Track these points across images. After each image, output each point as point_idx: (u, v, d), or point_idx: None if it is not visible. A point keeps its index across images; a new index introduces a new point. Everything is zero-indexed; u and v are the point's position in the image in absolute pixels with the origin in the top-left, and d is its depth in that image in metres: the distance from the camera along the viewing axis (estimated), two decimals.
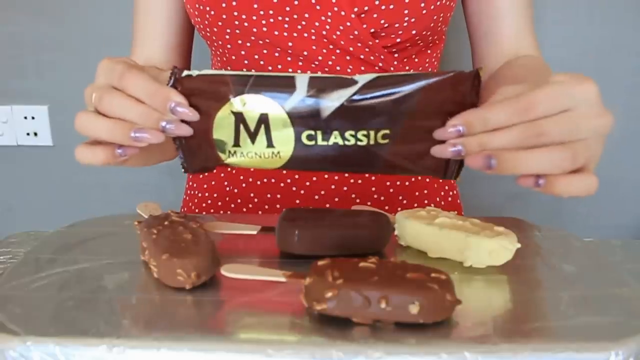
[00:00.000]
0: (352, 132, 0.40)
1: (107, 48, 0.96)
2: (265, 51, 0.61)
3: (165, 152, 0.49)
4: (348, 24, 0.58)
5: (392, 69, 0.62)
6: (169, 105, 0.39)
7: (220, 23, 0.60)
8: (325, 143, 0.41)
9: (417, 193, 0.69)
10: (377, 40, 0.60)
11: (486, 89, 0.39)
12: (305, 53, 0.60)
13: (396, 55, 0.62)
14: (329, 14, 0.58)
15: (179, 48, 0.68)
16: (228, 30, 0.60)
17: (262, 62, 0.62)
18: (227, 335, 0.35)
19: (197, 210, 0.71)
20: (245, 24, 0.59)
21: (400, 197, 0.67)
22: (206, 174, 0.70)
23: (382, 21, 0.58)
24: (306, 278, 0.37)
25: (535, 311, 0.39)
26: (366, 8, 0.58)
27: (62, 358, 0.34)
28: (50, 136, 1.03)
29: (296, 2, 0.58)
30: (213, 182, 0.70)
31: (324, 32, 0.59)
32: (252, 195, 0.67)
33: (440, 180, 0.71)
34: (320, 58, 0.60)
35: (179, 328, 0.36)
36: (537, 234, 0.52)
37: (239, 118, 0.41)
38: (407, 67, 0.64)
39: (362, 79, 0.40)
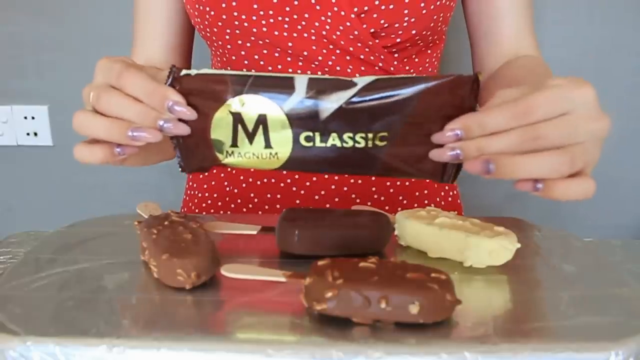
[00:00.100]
0: (350, 134, 0.40)
1: (107, 48, 0.96)
2: (265, 51, 0.61)
3: (165, 152, 0.48)
4: (348, 24, 0.58)
5: (392, 69, 0.62)
6: (166, 104, 0.39)
7: (220, 23, 0.60)
8: (323, 145, 0.41)
9: (417, 193, 0.69)
10: (377, 40, 0.60)
11: (485, 89, 0.39)
12: (305, 53, 0.60)
13: (396, 55, 0.62)
14: (329, 14, 0.58)
15: (179, 48, 0.68)
16: (228, 31, 0.60)
17: (262, 62, 0.62)
18: (227, 335, 0.35)
19: (197, 210, 0.71)
20: (245, 24, 0.59)
21: (401, 197, 0.67)
22: (205, 173, 0.70)
23: (382, 21, 0.58)
24: (306, 278, 0.37)
25: (535, 311, 0.39)
26: (366, 8, 0.58)
27: (62, 358, 0.34)
28: (50, 136, 1.03)
29: (296, 2, 0.58)
30: (213, 182, 0.70)
31: (324, 32, 0.59)
32: (252, 195, 0.67)
33: None
34: (320, 58, 0.60)
35: (179, 328, 0.36)
36: (537, 234, 0.52)
37: (237, 118, 0.40)
38: (407, 67, 0.64)
39: (361, 81, 0.40)
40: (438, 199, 0.71)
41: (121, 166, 0.43)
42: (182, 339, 0.34)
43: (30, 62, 1.00)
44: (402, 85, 0.39)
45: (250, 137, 0.41)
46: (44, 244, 0.49)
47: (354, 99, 0.39)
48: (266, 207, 0.66)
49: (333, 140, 0.40)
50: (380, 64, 0.61)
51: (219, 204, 0.69)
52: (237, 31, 0.60)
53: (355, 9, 0.58)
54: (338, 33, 0.59)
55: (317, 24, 0.59)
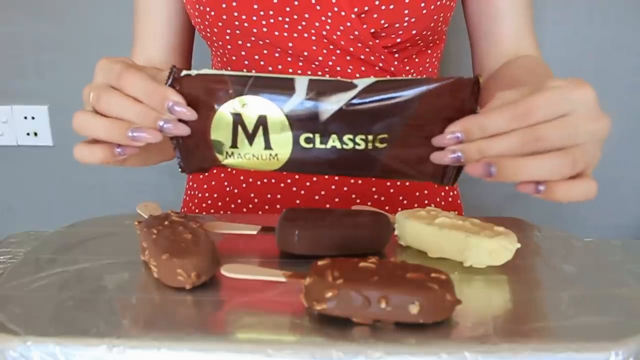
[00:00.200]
0: (350, 136, 0.40)
1: (107, 48, 0.96)
2: (265, 51, 0.61)
3: (165, 152, 0.48)
4: (348, 24, 0.58)
5: (392, 69, 0.62)
6: (166, 105, 0.39)
7: (220, 23, 0.60)
8: (323, 146, 0.41)
9: (417, 193, 0.69)
10: (377, 41, 0.60)
11: (485, 90, 0.39)
12: (305, 53, 0.60)
13: (396, 55, 0.62)
14: (329, 14, 0.58)
15: (179, 48, 0.68)
16: (228, 31, 0.60)
17: (262, 63, 0.62)
18: (227, 335, 0.35)
19: (197, 210, 0.71)
20: (246, 24, 0.59)
21: (401, 198, 0.67)
22: (205, 174, 0.70)
23: (382, 21, 0.58)
24: (306, 278, 0.37)
25: (535, 311, 0.39)
26: (366, 8, 0.58)
27: (62, 358, 0.34)
28: (50, 136, 1.03)
29: (296, 3, 0.58)
30: (213, 183, 0.70)
31: (324, 33, 0.59)
32: (252, 195, 0.67)
33: None
34: (320, 58, 0.60)
35: (179, 328, 0.36)
36: (537, 234, 0.52)
37: (237, 119, 0.40)
38: (407, 67, 0.64)
39: (362, 83, 0.39)
40: (438, 199, 0.71)
41: (121, 166, 0.43)
42: (182, 339, 0.34)
43: (30, 62, 1.00)
44: (403, 87, 0.39)
45: (250, 138, 0.41)
46: (44, 244, 0.49)
47: (354, 101, 0.39)
48: (266, 207, 0.66)
49: (333, 141, 0.40)
50: (381, 64, 0.61)
51: (219, 204, 0.69)
52: (238, 31, 0.60)
53: (356, 9, 0.58)
54: (338, 33, 0.59)
55: (317, 24, 0.59)
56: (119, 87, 0.40)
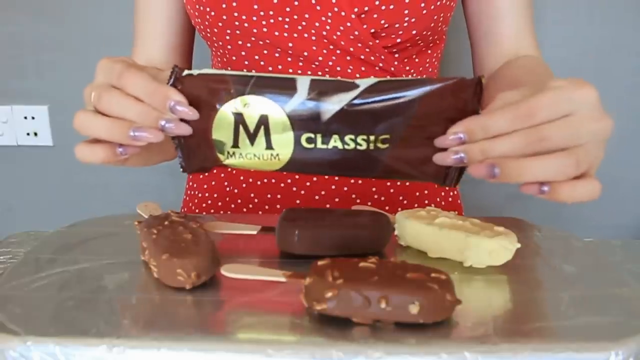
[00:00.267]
0: (352, 136, 0.40)
1: (107, 48, 0.96)
2: (265, 52, 0.61)
3: (166, 152, 0.48)
4: (348, 24, 0.58)
5: (392, 69, 0.62)
6: (168, 104, 0.39)
7: (220, 24, 0.60)
8: (324, 146, 0.41)
9: (417, 193, 0.69)
10: (377, 41, 0.60)
11: (485, 90, 0.39)
12: (305, 54, 0.60)
13: (396, 55, 0.62)
14: (329, 14, 0.58)
15: (179, 48, 0.68)
16: (228, 31, 0.60)
17: (262, 63, 0.62)
18: (227, 335, 0.35)
19: (197, 210, 0.71)
20: (246, 24, 0.59)
21: (401, 198, 0.67)
22: (206, 174, 0.70)
23: (383, 21, 0.58)
24: (306, 278, 0.37)
25: (536, 311, 0.39)
26: (366, 8, 0.58)
27: (62, 358, 0.34)
28: (50, 136, 1.03)
29: (296, 3, 0.58)
30: (213, 183, 0.70)
31: (324, 33, 0.59)
32: (252, 195, 0.67)
33: None
34: (320, 58, 0.60)
35: (179, 328, 0.36)
36: (537, 234, 0.52)
37: (239, 119, 0.40)
38: (407, 68, 0.64)
39: (364, 83, 0.39)
40: (438, 199, 0.71)
41: (122, 166, 0.43)
42: (182, 339, 0.34)
43: (30, 62, 1.00)
44: (405, 87, 0.39)
45: (252, 138, 0.41)
46: (44, 244, 0.49)
47: (356, 101, 0.39)
48: (266, 207, 0.66)
49: (334, 142, 0.40)
50: (381, 64, 0.61)
51: (219, 204, 0.69)
52: (238, 32, 0.60)
53: (356, 9, 0.58)
54: (338, 33, 0.59)
55: (317, 24, 0.59)
56: (120, 87, 0.40)
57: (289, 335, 0.35)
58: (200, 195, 0.71)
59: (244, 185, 0.67)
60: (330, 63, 0.61)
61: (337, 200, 0.65)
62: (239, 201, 0.68)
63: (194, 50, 0.72)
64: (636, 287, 0.41)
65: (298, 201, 0.65)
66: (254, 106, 0.40)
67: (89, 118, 0.40)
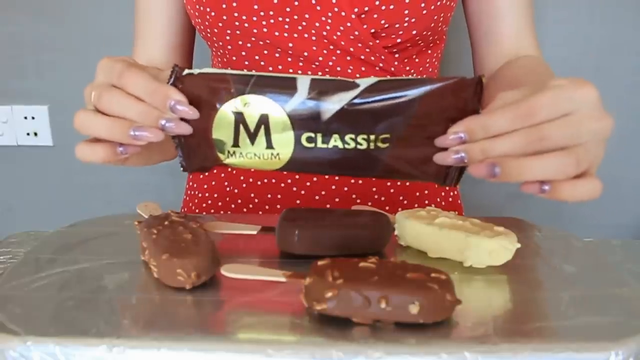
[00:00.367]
0: (352, 136, 0.40)
1: (107, 48, 0.96)
2: (265, 52, 0.61)
3: (166, 152, 0.48)
4: (348, 24, 0.58)
5: (392, 69, 0.62)
6: (168, 104, 0.39)
7: (220, 24, 0.60)
8: (325, 146, 0.41)
9: (417, 193, 0.69)
10: (377, 41, 0.60)
11: (486, 89, 0.39)
12: (305, 54, 0.60)
13: (397, 55, 0.62)
14: (330, 14, 0.58)
15: (180, 48, 0.68)
16: (228, 31, 0.60)
17: (262, 63, 0.62)
18: (227, 335, 0.35)
19: (197, 210, 0.71)
20: (246, 24, 0.59)
21: (401, 198, 0.67)
22: (206, 173, 0.70)
23: (383, 21, 0.58)
24: (306, 278, 0.37)
25: (536, 311, 0.39)
26: (366, 8, 0.58)
27: (62, 358, 0.34)
28: (50, 136, 1.03)
29: (296, 3, 0.58)
30: (213, 182, 0.70)
31: (325, 33, 0.59)
32: (252, 195, 0.67)
33: None
34: (320, 59, 0.60)
35: (179, 328, 0.36)
36: (537, 234, 0.52)
37: (239, 118, 0.40)
38: (407, 68, 0.64)
39: (364, 82, 0.39)
40: (438, 199, 0.71)
41: (122, 166, 0.43)
42: (182, 339, 0.34)
43: (30, 62, 1.00)
44: (405, 87, 0.39)
45: (252, 137, 0.41)
46: (44, 244, 0.49)
47: (356, 101, 0.39)
48: (266, 207, 0.66)
49: (335, 141, 0.40)
50: (381, 64, 0.61)
51: (219, 204, 0.69)
52: (238, 32, 0.60)
53: (356, 10, 0.58)
54: (338, 33, 0.59)
55: (317, 24, 0.59)
56: (121, 86, 0.40)
57: (289, 335, 0.35)
58: (200, 195, 0.71)
59: (244, 185, 0.67)
60: (331, 63, 0.61)
61: (337, 200, 0.65)
62: (239, 201, 0.68)
63: (194, 50, 0.72)
64: (636, 287, 0.41)
65: (298, 201, 0.65)
66: (254, 105, 0.40)
67: (90, 117, 0.40)
